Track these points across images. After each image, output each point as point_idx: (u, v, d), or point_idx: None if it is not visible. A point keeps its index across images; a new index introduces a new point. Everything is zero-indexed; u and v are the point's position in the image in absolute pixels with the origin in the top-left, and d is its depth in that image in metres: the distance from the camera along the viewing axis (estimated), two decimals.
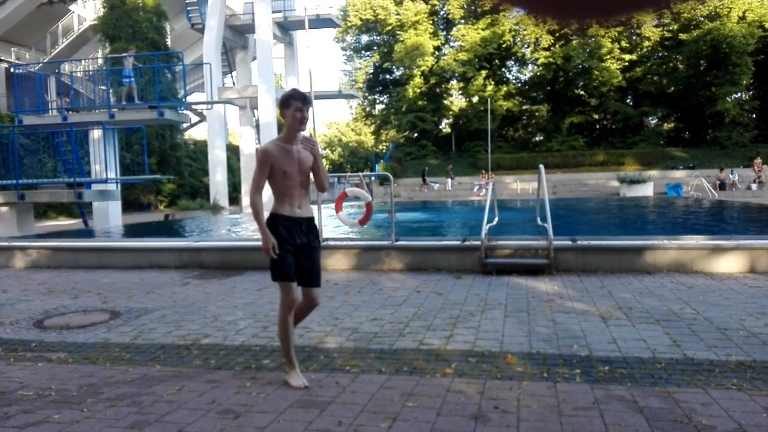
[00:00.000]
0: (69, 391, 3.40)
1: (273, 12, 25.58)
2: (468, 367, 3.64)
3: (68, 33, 30.18)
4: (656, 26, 36.65)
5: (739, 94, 36.00)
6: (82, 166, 13.52)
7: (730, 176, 28.15)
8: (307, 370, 3.64)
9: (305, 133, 3.61)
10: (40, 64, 21.55)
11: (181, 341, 4.44)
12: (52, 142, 13.50)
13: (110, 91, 17.26)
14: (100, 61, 23.36)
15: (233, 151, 31.67)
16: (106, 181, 12.82)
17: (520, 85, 41.83)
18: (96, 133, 13.36)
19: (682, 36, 34.43)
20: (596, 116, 39.95)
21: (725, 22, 32.42)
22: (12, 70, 15.45)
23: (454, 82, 40.89)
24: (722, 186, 27.04)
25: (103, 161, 12.91)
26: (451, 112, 41.48)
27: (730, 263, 6.66)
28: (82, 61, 22.10)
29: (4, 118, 21.79)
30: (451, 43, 41.41)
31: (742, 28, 32.18)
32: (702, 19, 34.20)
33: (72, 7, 30.24)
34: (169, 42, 29.03)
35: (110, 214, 14.73)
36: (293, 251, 3.46)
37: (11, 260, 9.00)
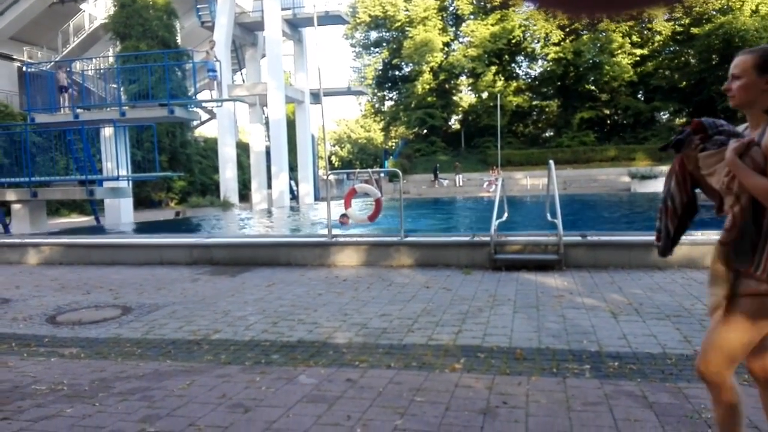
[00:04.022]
0: (81, 385, 3.44)
1: (282, 9, 25.59)
2: (477, 362, 3.64)
3: (79, 32, 30.37)
4: (668, 20, 36.35)
5: None
6: (93, 164, 13.61)
7: None
8: (316, 365, 3.66)
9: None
10: (52, 63, 21.72)
11: (191, 336, 4.48)
12: (64, 140, 13.59)
13: (121, 89, 17.37)
14: (111, 59, 23.51)
15: (243, 149, 31.79)
16: (117, 178, 12.88)
17: (530, 80, 41.65)
18: (107, 131, 13.43)
19: (694, 30, 34.13)
20: (607, 111, 39.73)
21: (738, 16, 32.11)
22: (24, 68, 15.56)
23: (463, 78, 40.78)
24: None
25: (115, 159, 12.99)
26: (460, 108, 41.40)
27: None
28: (93, 59, 22.23)
29: (17, 116, 21.99)
30: (461, 39, 41.29)
31: (755, 22, 31.87)
32: (714, 12, 33.87)
33: (83, 5, 30.42)
34: (179, 40, 29.13)
35: (122, 211, 14.84)
36: None
37: (24, 257, 9.11)
